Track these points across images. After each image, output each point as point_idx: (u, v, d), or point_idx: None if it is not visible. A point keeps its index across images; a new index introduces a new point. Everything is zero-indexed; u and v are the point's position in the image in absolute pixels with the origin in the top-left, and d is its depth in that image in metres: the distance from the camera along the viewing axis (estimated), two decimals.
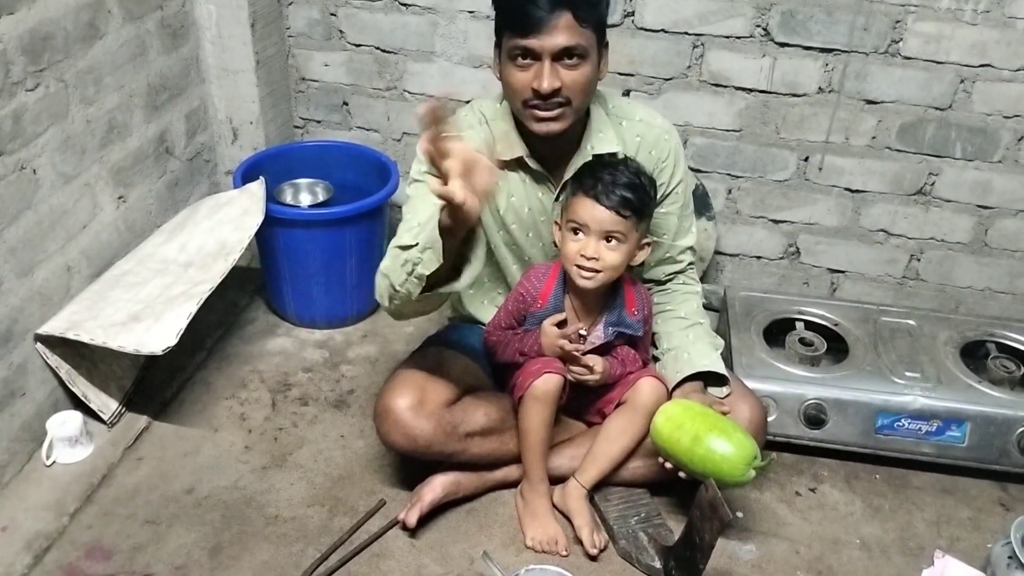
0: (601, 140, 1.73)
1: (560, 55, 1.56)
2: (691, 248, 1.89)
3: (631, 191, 1.63)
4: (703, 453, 1.59)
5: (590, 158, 1.71)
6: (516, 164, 1.73)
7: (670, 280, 1.89)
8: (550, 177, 1.75)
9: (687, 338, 1.82)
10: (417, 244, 1.49)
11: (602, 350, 1.75)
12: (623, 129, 1.76)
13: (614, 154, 1.72)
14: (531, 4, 1.53)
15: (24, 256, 1.77)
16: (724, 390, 1.80)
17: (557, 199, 1.76)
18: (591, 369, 1.72)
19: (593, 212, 1.63)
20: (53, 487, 1.81)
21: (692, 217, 1.89)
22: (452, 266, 1.51)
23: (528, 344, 1.74)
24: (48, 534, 1.71)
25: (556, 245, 1.75)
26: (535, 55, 1.57)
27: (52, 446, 1.85)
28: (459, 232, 1.44)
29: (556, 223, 1.73)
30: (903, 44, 2.09)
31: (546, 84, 1.56)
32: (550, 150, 1.72)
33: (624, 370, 1.78)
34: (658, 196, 1.77)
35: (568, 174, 1.73)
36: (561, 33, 1.54)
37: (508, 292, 1.84)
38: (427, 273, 1.49)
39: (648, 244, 1.73)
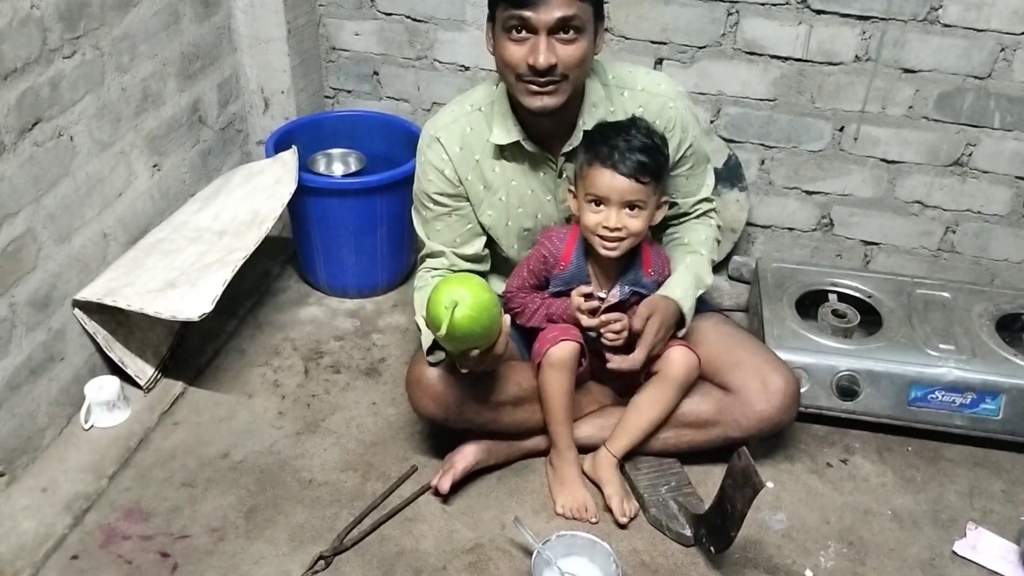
0: (593, 115, 1.70)
1: (556, 28, 1.53)
2: (705, 200, 1.88)
3: (646, 154, 1.61)
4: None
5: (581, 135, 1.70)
6: (514, 147, 1.72)
7: (685, 218, 1.90)
8: (550, 156, 1.75)
9: (682, 263, 1.81)
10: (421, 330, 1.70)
11: (618, 309, 1.74)
12: (625, 100, 1.74)
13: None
14: None
15: (62, 222, 1.80)
16: (680, 332, 1.78)
17: (560, 175, 1.76)
18: (612, 325, 1.70)
19: (613, 183, 1.61)
20: (91, 450, 1.84)
21: (704, 173, 1.87)
22: None
23: (556, 311, 1.75)
24: (87, 495, 1.75)
25: (568, 221, 1.77)
26: (531, 28, 1.54)
27: (90, 410, 1.88)
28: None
29: (570, 191, 1.72)
30: (942, 11, 2.05)
31: (542, 59, 1.53)
32: (546, 129, 1.71)
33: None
34: (668, 162, 1.75)
35: (566, 151, 1.72)
36: (558, 5, 1.51)
37: None
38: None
39: (665, 203, 1.73)
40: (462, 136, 1.73)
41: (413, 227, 2.36)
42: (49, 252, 1.77)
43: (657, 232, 1.91)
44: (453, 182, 1.75)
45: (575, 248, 1.74)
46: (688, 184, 1.84)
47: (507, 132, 1.70)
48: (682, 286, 1.76)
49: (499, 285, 1.89)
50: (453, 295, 1.46)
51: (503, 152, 1.74)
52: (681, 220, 1.89)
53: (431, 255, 1.82)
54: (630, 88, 1.74)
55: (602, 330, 1.69)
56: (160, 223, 2.11)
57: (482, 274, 1.82)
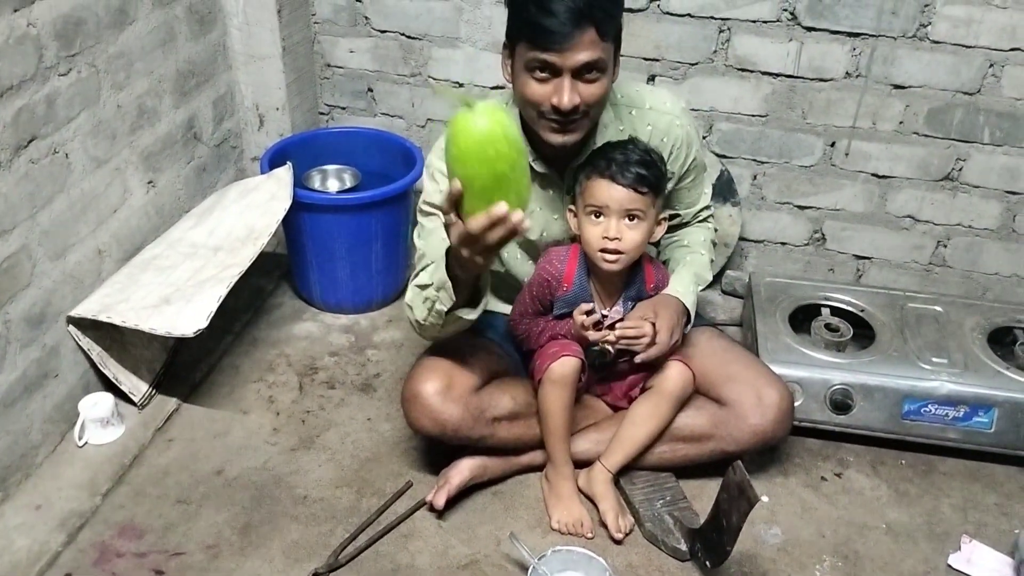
0: (604, 135, 1.72)
1: (580, 70, 1.54)
2: (705, 207, 1.94)
3: (645, 167, 1.64)
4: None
5: None
6: None
7: (684, 226, 1.94)
8: (559, 176, 1.76)
9: (682, 262, 1.86)
10: (432, 284, 1.59)
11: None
12: (633, 118, 1.76)
13: None
14: (553, 19, 1.49)
15: (57, 239, 1.80)
16: (687, 327, 1.81)
17: (568, 193, 1.77)
18: (613, 343, 1.72)
19: (611, 192, 1.64)
20: (85, 467, 1.84)
21: (703, 183, 1.92)
22: (469, 295, 1.59)
23: (560, 332, 1.76)
24: (81, 513, 1.74)
25: (572, 239, 1.76)
26: (555, 70, 1.54)
27: (84, 427, 1.87)
28: (468, 277, 1.52)
29: (570, 210, 1.73)
30: (932, 28, 2.07)
31: (567, 101, 1.54)
32: (557, 151, 1.72)
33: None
34: (673, 177, 1.80)
35: (574, 166, 1.73)
36: (583, 50, 1.51)
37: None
38: (445, 309, 1.59)
39: (664, 219, 1.75)
40: None
41: (408, 243, 2.39)
42: (44, 269, 1.77)
43: (657, 246, 1.95)
44: None
45: (576, 268, 1.74)
46: (690, 195, 1.89)
47: None
48: (683, 282, 1.80)
49: (496, 304, 1.90)
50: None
51: None
52: (681, 228, 1.94)
53: (427, 268, 1.80)
54: (639, 107, 1.76)
55: (620, 337, 1.69)
56: (155, 239, 2.11)
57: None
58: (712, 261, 1.92)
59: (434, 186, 1.74)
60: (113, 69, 1.90)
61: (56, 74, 1.73)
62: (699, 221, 1.94)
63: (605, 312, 1.74)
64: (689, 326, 1.81)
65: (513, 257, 1.85)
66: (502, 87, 2.36)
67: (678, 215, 1.89)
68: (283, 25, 2.32)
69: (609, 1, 1.54)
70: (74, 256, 1.86)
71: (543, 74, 1.55)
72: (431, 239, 1.77)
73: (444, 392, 1.70)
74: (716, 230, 2.02)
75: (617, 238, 1.65)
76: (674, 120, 1.77)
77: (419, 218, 1.80)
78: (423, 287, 1.63)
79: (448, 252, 1.53)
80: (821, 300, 2.18)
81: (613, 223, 1.65)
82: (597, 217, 1.66)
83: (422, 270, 1.67)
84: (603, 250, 1.67)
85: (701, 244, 1.91)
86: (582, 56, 1.52)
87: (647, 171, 1.64)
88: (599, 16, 1.51)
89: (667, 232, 1.90)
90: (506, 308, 1.88)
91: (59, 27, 1.72)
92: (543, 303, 1.78)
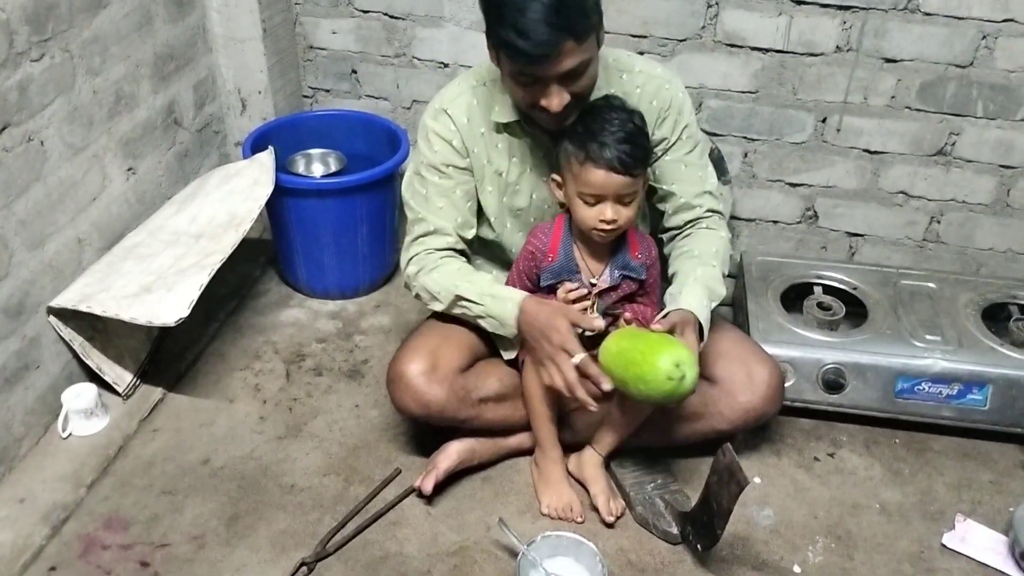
0: (595, 97, 1.67)
1: (565, 75, 1.51)
2: (709, 193, 1.80)
3: (632, 143, 1.58)
4: (629, 365, 1.54)
5: None
6: (515, 125, 1.70)
7: (692, 226, 1.81)
8: (552, 141, 1.72)
9: (691, 275, 1.72)
10: (482, 305, 1.69)
11: (609, 293, 1.72)
12: (624, 82, 1.72)
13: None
14: (528, 40, 1.44)
15: (34, 229, 1.77)
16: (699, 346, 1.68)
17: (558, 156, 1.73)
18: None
19: (607, 181, 1.58)
20: (69, 459, 1.81)
21: (705, 166, 1.81)
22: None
23: None
24: (66, 505, 1.72)
25: (562, 205, 1.73)
26: (539, 79, 1.51)
27: (67, 418, 1.85)
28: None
29: (555, 181, 1.69)
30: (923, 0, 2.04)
31: (556, 104, 1.52)
32: None
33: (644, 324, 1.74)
34: (664, 143, 1.74)
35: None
36: (564, 59, 1.48)
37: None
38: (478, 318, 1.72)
39: (647, 179, 1.69)
40: (468, 108, 1.70)
41: (395, 227, 2.37)
42: (22, 259, 1.74)
43: (655, 222, 1.88)
44: (461, 153, 1.71)
45: (561, 239, 1.72)
46: (688, 173, 1.77)
47: (509, 111, 1.68)
48: (695, 296, 1.67)
49: (491, 270, 1.88)
50: (677, 360, 1.48)
51: (505, 127, 1.71)
52: (689, 222, 1.80)
53: (429, 233, 1.75)
54: (628, 71, 1.73)
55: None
56: (136, 227, 2.08)
57: (468, 259, 1.81)
58: (725, 275, 1.77)
59: (428, 146, 1.72)
60: (88, 54, 1.86)
61: (28, 59, 1.69)
62: (706, 215, 1.80)
63: (593, 281, 1.72)
64: (701, 345, 1.66)
65: (503, 225, 1.81)
66: None
67: (673, 194, 1.79)
68: (263, 6, 2.28)
69: (581, 6, 1.48)
70: (53, 245, 1.83)
71: (527, 79, 1.53)
72: (429, 204, 1.75)
73: (429, 373, 1.68)
74: (731, 239, 1.86)
75: (614, 219, 1.62)
76: (663, 83, 1.73)
77: (415, 181, 1.77)
78: (465, 300, 1.70)
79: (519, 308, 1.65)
80: (813, 279, 2.16)
81: (609, 208, 1.61)
82: (592, 203, 1.62)
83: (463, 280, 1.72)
84: (598, 229, 1.64)
85: (712, 256, 1.75)
86: (564, 66, 1.49)
87: (635, 146, 1.59)
88: (575, 26, 1.46)
89: (674, 234, 1.83)
90: (499, 275, 1.86)
91: (30, 11, 1.68)
92: (530, 278, 1.75)
